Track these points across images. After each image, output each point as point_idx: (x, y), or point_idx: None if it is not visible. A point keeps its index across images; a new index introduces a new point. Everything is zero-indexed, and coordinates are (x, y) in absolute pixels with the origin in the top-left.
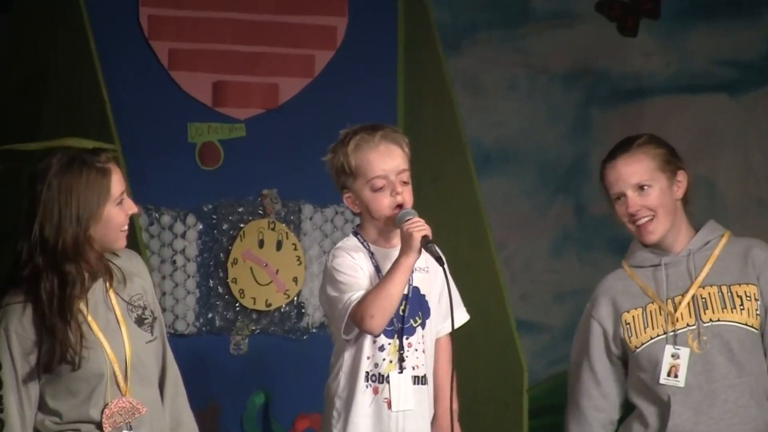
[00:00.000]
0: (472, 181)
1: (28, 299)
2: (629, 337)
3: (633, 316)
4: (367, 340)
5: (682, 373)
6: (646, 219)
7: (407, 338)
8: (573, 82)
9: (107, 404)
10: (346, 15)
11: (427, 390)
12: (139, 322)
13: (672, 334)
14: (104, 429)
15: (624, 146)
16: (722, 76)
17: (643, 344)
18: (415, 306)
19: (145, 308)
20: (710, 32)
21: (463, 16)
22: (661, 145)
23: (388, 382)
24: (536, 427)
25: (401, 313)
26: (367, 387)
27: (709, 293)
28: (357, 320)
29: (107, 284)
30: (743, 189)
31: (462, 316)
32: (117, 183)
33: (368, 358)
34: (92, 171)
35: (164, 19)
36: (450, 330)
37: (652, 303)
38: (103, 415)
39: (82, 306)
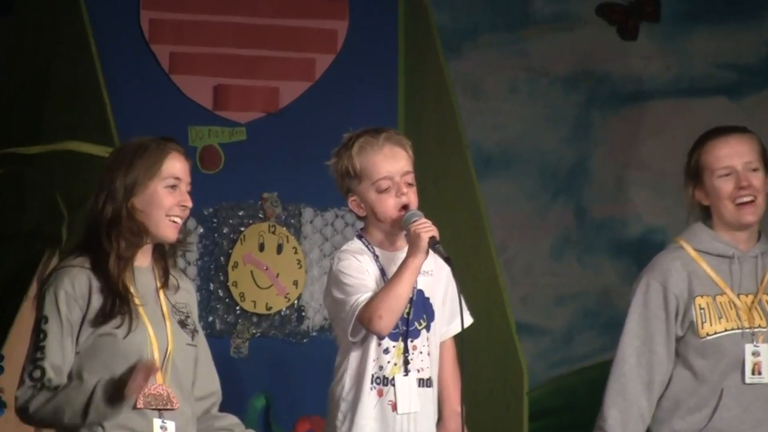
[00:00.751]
0: (473, 183)
1: (80, 263)
2: (702, 323)
3: (706, 303)
4: (373, 343)
5: (766, 370)
6: (749, 198)
7: (412, 341)
8: (573, 85)
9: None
10: (347, 19)
11: (432, 392)
12: (182, 324)
13: (748, 330)
14: (137, 404)
15: (732, 128)
16: (722, 79)
17: (716, 333)
18: (420, 309)
19: (188, 316)
20: (710, 35)
21: (464, 19)
22: (759, 140)
23: (393, 385)
24: (536, 429)
25: (405, 316)
26: (371, 389)
27: None
28: (365, 321)
29: (159, 282)
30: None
31: (466, 320)
32: (171, 165)
33: (374, 360)
34: (149, 149)
35: (165, 22)
36: (455, 332)
37: (722, 295)
38: (141, 394)
39: (133, 290)
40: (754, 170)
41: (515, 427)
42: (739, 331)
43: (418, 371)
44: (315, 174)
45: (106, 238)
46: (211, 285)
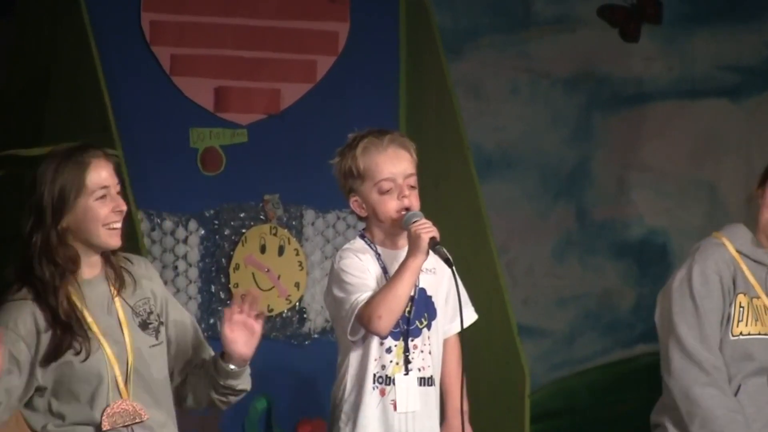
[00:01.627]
0: (474, 185)
1: (23, 296)
2: (738, 321)
3: (747, 302)
4: (374, 342)
5: None
6: None
7: (412, 340)
8: (575, 87)
9: (107, 405)
10: (348, 20)
11: (434, 391)
12: (143, 326)
13: None
14: (103, 426)
15: None
16: (724, 81)
17: (749, 335)
18: (421, 307)
19: (150, 313)
20: (712, 37)
21: (465, 20)
22: None
23: (395, 384)
24: (538, 431)
25: (407, 314)
26: (374, 389)
27: None
28: (364, 321)
29: (114, 290)
30: (745, 193)
31: (470, 315)
32: (95, 176)
33: (375, 360)
34: (68, 164)
35: (166, 24)
36: (457, 330)
37: (758, 298)
38: (104, 414)
39: (83, 308)
40: None
41: (516, 429)
42: None
43: (419, 370)
44: (316, 176)
45: (39, 267)
46: (213, 287)
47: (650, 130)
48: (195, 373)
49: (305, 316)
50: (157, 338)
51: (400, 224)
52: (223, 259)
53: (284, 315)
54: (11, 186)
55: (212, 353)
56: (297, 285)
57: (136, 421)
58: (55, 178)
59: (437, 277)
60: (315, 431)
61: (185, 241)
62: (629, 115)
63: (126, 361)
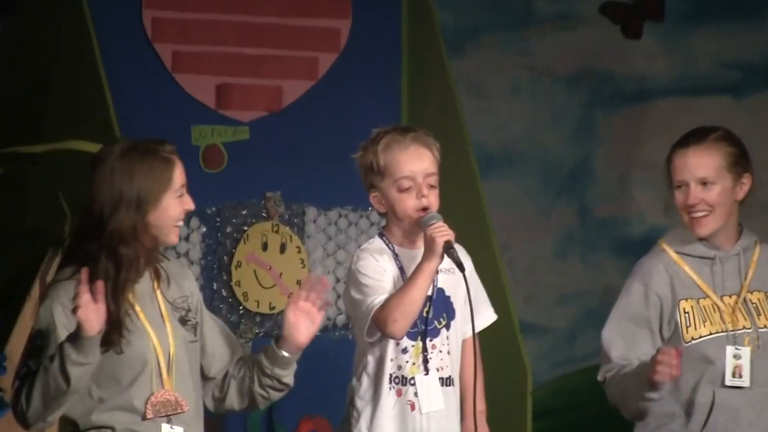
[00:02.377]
0: (476, 183)
1: (77, 277)
2: (686, 327)
3: (691, 306)
4: (391, 343)
5: (746, 373)
6: (702, 214)
7: (431, 340)
8: (576, 85)
9: (152, 393)
10: (350, 17)
11: (454, 391)
12: (183, 321)
13: (732, 333)
14: (146, 414)
15: (698, 136)
16: (726, 78)
17: (700, 337)
18: (440, 307)
19: (189, 311)
20: (714, 34)
21: (467, 18)
22: (734, 144)
23: (412, 384)
24: (540, 429)
25: (425, 314)
26: (390, 389)
27: (758, 298)
28: (379, 324)
29: (155, 283)
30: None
31: (489, 316)
32: (179, 174)
33: (392, 360)
34: (156, 158)
35: (167, 21)
36: (477, 329)
37: (705, 298)
38: (148, 402)
39: (129, 294)
40: (709, 184)
41: (518, 427)
42: (724, 334)
43: (438, 370)
44: (318, 173)
45: (110, 250)
46: (214, 284)
47: (652, 128)
48: (235, 370)
49: None
50: (195, 335)
51: (418, 224)
52: (224, 257)
53: None
54: (13, 183)
55: (248, 351)
56: (299, 282)
57: (177, 411)
58: (142, 170)
59: (456, 277)
60: (316, 429)
61: (187, 238)
62: (631, 112)
63: (168, 352)
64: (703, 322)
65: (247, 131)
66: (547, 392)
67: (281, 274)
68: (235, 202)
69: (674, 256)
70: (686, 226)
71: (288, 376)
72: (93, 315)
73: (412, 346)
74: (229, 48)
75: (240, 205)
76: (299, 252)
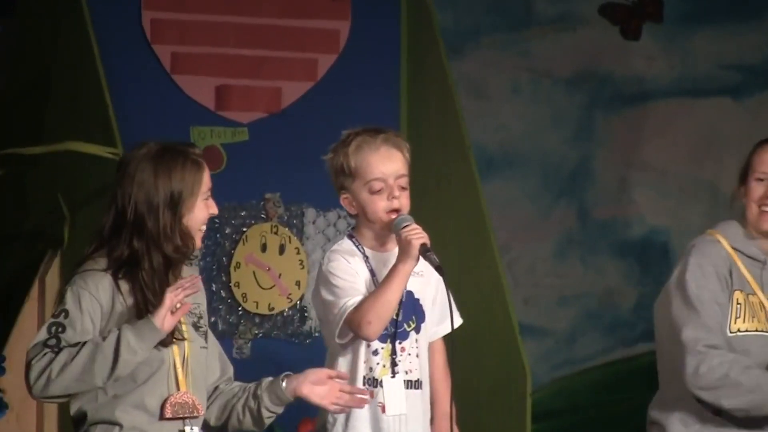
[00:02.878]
0: (476, 184)
1: (117, 273)
2: (735, 318)
3: (743, 298)
4: (363, 344)
5: None
6: None
7: (400, 343)
8: (576, 86)
9: (171, 394)
10: (349, 19)
11: (422, 394)
12: (195, 327)
13: None
14: (165, 414)
15: None
16: (726, 80)
17: (747, 331)
18: (409, 310)
19: (200, 317)
20: (714, 36)
21: (467, 19)
22: None
23: (382, 387)
24: (539, 430)
25: (395, 317)
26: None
27: None
28: (354, 326)
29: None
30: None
31: (455, 320)
32: (207, 178)
33: (364, 362)
34: (188, 161)
35: (167, 22)
36: (444, 333)
37: (754, 295)
38: (167, 402)
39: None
40: None
41: (518, 429)
42: (766, 333)
43: (406, 373)
44: (317, 174)
45: (157, 249)
46: (214, 286)
47: (652, 129)
48: (226, 386)
49: (306, 314)
50: (206, 341)
51: (389, 226)
52: (223, 258)
53: (285, 314)
54: (13, 184)
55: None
56: (298, 284)
57: (194, 414)
58: (177, 172)
59: (425, 280)
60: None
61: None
62: (631, 114)
63: (184, 355)
64: (752, 317)
65: (246, 132)
66: (546, 394)
67: (280, 275)
68: (234, 203)
69: (729, 248)
70: (752, 220)
71: (269, 411)
72: (174, 318)
73: (382, 348)
74: (229, 49)
75: (239, 206)
76: (298, 253)
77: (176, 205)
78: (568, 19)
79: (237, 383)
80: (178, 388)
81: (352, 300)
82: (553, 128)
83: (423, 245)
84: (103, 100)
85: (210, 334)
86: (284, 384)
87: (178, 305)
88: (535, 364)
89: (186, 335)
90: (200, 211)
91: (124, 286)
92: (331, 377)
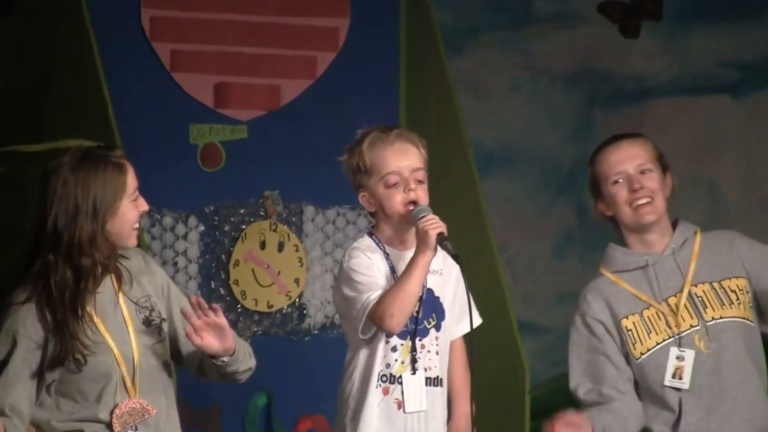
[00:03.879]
0: (475, 182)
1: (35, 297)
2: (633, 345)
3: (633, 323)
4: (381, 341)
5: (687, 374)
6: (646, 200)
7: (420, 340)
8: (575, 84)
9: (117, 405)
10: (348, 16)
11: (441, 392)
12: (147, 323)
13: (677, 336)
14: (114, 428)
15: (623, 135)
16: (724, 78)
17: (648, 350)
18: (429, 308)
19: (152, 309)
20: (712, 34)
21: (466, 17)
22: (653, 143)
23: (399, 383)
24: (538, 429)
25: (415, 314)
26: (377, 387)
27: (703, 291)
28: (377, 320)
29: (116, 285)
30: (745, 190)
31: (475, 319)
32: (132, 178)
33: (381, 358)
34: (109, 165)
35: (166, 20)
36: (464, 332)
37: (648, 308)
38: (113, 415)
39: (89, 306)
40: (647, 171)
41: (517, 426)
42: (671, 339)
43: (426, 370)
44: (316, 172)
45: (69, 262)
46: (212, 283)
47: (650, 127)
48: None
49: (305, 312)
50: (159, 335)
51: (408, 219)
52: (222, 256)
53: (284, 311)
54: (12, 182)
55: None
56: (297, 281)
57: (145, 417)
58: (97, 179)
59: (444, 278)
60: (315, 427)
61: (185, 237)
62: (629, 111)
63: (132, 360)
64: (649, 333)
65: (245, 130)
66: (545, 391)
67: (279, 272)
68: (233, 200)
69: (611, 276)
70: (630, 223)
71: (243, 365)
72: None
73: (402, 344)
74: (228, 47)
75: (238, 203)
76: (297, 250)
77: (98, 212)
78: (567, 17)
79: None
80: (129, 397)
81: (374, 295)
82: (552, 126)
83: (440, 234)
84: (103, 98)
85: (172, 317)
86: (221, 360)
87: None
88: (534, 361)
89: (132, 337)
90: (129, 212)
91: (49, 316)
92: (195, 320)
